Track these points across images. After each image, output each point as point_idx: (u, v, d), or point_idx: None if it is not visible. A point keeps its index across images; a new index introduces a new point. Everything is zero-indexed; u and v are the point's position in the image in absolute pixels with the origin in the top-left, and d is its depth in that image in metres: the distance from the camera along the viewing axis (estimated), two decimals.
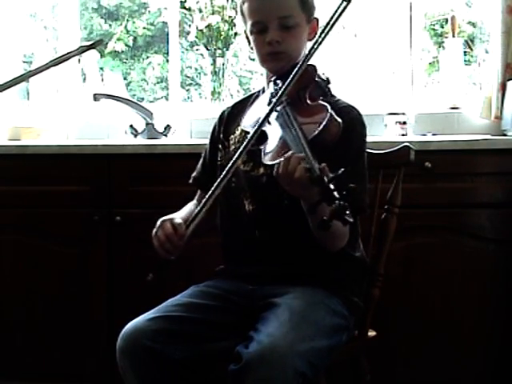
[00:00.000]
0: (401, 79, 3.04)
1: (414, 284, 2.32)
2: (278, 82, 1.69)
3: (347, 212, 1.29)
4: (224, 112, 1.91)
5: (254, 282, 1.69)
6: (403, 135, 2.69)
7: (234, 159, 1.54)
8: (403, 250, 2.29)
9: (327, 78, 1.70)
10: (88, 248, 2.45)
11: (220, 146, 1.83)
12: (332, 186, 1.32)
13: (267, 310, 1.55)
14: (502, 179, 2.31)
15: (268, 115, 1.57)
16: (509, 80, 2.63)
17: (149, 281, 1.56)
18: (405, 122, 2.71)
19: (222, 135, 1.85)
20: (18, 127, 2.96)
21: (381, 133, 2.67)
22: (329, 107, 1.55)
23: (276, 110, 1.60)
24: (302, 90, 1.64)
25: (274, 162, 1.51)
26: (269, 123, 1.60)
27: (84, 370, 2.45)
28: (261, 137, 1.59)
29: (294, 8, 1.70)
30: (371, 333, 1.82)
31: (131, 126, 2.90)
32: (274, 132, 1.59)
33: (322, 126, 1.50)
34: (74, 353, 2.46)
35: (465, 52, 3.06)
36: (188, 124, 3.00)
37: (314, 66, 1.69)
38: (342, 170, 1.34)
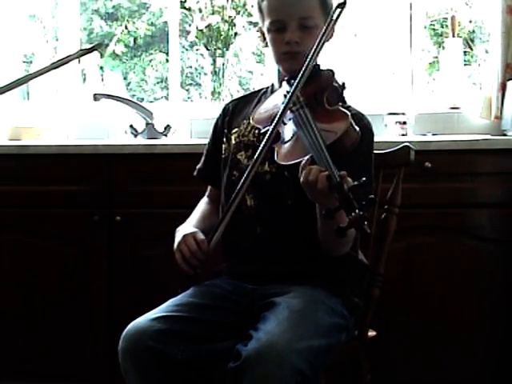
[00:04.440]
0: (401, 79, 3.04)
1: (414, 284, 2.32)
2: (292, 81, 1.67)
3: (366, 222, 1.31)
4: (228, 105, 1.91)
5: (254, 281, 1.69)
6: (403, 135, 2.69)
7: (251, 164, 1.57)
8: (403, 250, 2.29)
9: (343, 84, 1.69)
10: (88, 248, 2.45)
11: (224, 140, 1.83)
12: (351, 195, 1.33)
13: (267, 310, 1.55)
14: (501, 179, 2.31)
15: (283, 113, 1.58)
16: (509, 80, 2.63)
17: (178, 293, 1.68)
18: (405, 122, 2.71)
19: (226, 129, 1.84)
20: (18, 127, 2.96)
21: (381, 133, 2.67)
22: (349, 114, 1.55)
23: (292, 111, 1.61)
24: (319, 93, 1.63)
25: (289, 163, 1.53)
26: (284, 123, 1.61)
27: (84, 370, 2.45)
28: (275, 136, 1.60)
29: (314, 9, 1.69)
30: (371, 333, 1.82)
31: (131, 126, 2.90)
32: (289, 132, 1.60)
33: (341, 133, 1.50)
34: (74, 353, 2.46)
35: (465, 52, 3.06)
36: (188, 124, 3.00)
37: (331, 71, 1.68)
38: (364, 179, 1.35)
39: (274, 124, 1.58)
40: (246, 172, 1.58)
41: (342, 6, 1.63)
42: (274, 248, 1.69)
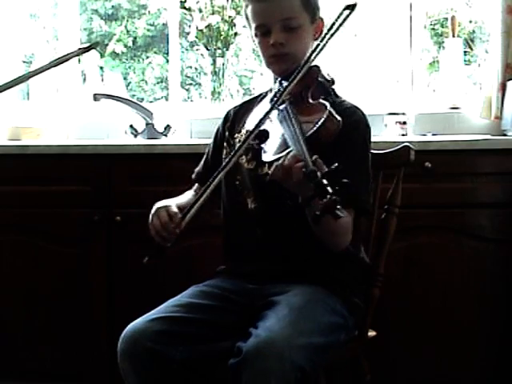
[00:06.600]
0: (401, 79, 3.04)
1: (414, 284, 2.32)
2: (283, 82, 1.70)
3: (338, 206, 1.29)
4: (230, 111, 1.92)
5: (254, 281, 1.69)
6: (403, 135, 2.69)
7: (232, 154, 1.58)
8: (403, 250, 2.29)
9: (332, 79, 1.71)
10: (88, 248, 2.45)
11: (225, 144, 1.84)
12: (325, 181, 1.32)
13: (267, 309, 1.55)
14: (502, 179, 2.31)
15: (268, 113, 1.59)
16: (509, 80, 2.63)
17: (144, 264, 1.64)
18: (405, 122, 2.71)
19: (227, 133, 1.86)
20: (18, 127, 2.96)
21: (381, 133, 2.67)
22: (328, 105, 1.57)
23: (278, 109, 1.62)
24: (304, 89, 1.65)
25: (272, 159, 1.53)
26: (271, 121, 1.62)
27: (84, 370, 2.45)
28: (263, 135, 1.61)
29: (296, 9, 1.71)
30: (371, 333, 1.82)
31: (131, 126, 2.90)
32: (275, 130, 1.61)
33: (319, 123, 1.52)
34: (74, 353, 2.46)
35: (465, 52, 3.06)
36: (188, 124, 3.00)
37: (317, 67, 1.70)
38: (336, 165, 1.34)
39: (256, 123, 1.58)
40: (226, 161, 1.59)
41: (351, 8, 1.62)
42: (274, 248, 1.69)
